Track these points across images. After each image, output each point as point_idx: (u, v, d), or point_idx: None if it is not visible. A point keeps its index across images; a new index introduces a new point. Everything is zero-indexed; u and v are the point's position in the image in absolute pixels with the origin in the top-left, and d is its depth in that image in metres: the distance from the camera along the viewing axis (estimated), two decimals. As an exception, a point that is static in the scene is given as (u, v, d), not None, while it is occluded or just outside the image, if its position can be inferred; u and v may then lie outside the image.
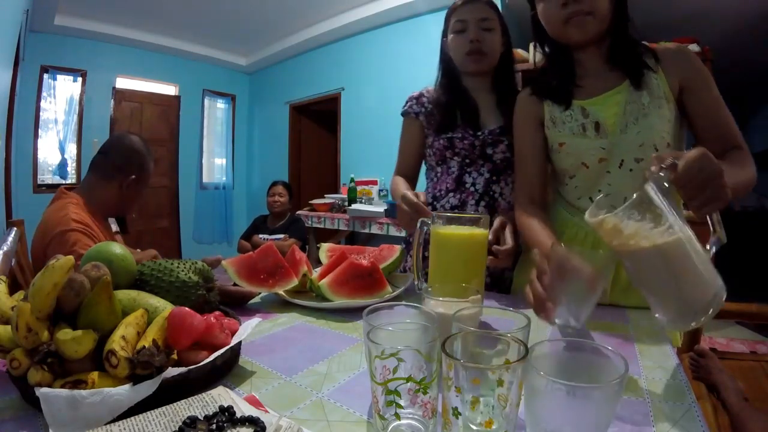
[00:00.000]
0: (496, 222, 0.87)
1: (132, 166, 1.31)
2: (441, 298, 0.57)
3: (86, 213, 1.22)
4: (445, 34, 1.10)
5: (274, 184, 3.06)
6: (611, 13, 0.77)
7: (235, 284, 0.84)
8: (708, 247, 0.51)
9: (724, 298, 0.48)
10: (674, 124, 0.80)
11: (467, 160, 1.06)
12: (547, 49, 0.88)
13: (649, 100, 0.78)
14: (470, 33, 1.02)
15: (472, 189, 1.05)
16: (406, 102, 1.16)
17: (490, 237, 0.87)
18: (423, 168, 1.20)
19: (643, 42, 0.82)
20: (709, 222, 0.52)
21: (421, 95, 1.15)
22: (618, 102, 0.80)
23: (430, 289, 0.58)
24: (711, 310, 0.48)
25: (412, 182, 1.13)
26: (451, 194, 1.07)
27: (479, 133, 1.03)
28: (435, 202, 1.10)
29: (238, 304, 0.82)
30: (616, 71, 0.81)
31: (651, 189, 0.49)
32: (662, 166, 0.50)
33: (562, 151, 0.85)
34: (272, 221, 3.02)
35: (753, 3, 2.93)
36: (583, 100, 0.83)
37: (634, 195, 0.49)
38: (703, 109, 0.78)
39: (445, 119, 1.07)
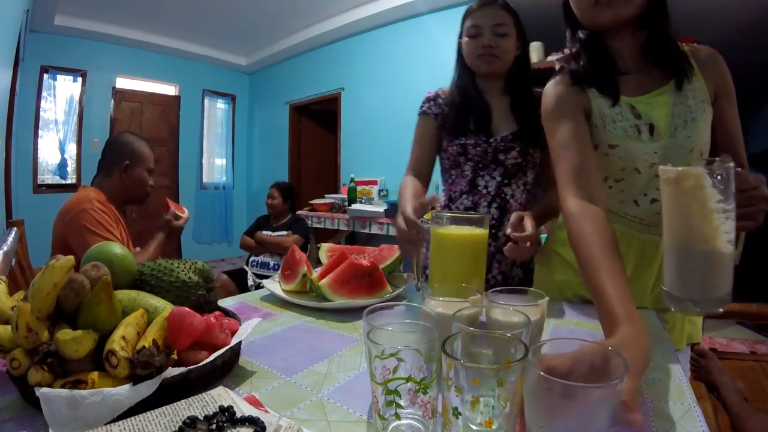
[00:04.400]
0: (513, 217, 0.87)
1: (123, 155, 1.47)
2: (441, 298, 0.57)
3: (104, 198, 1.42)
4: (461, 36, 1.11)
5: (270, 186, 3.06)
6: None
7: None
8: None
9: (729, 302, 0.50)
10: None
11: (480, 165, 1.10)
12: (581, 35, 0.80)
13: (694, 103, 0.74)
14: (484, 39, 1.03)
15: (484, 191, 1.09)
16: (424, 102, 1.17)
17: (509, 230, 0.85)
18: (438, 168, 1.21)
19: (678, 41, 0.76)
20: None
21: (437, 96, 1.16)
22: (666, 102, 0.74)
23: (430, 289, 0.59)
24: (720, 309, 0.50)
25: (425, 181, 1.13)
26: (464, 196, 1.12)
27: (492, 140, 1.06)
28: (450, 204, 1.15)
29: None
30: (658, 69, 0.75)
31: (732, 169, 0.49)
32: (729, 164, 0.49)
33: (612, 154, 0.76)
34: (274, 220, 3.03)
35: (753, 3, 2.93)
36: (630, 97, 0.76)
37: (723, 164, 0.49)
38: (725, 124, 0.77)
39: (458, 122, 1.09)
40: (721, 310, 0.50)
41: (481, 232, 0.72)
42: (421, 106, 1.17)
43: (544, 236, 1.17)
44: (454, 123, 1.10)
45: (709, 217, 0.50)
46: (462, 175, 1.12)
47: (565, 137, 0.74)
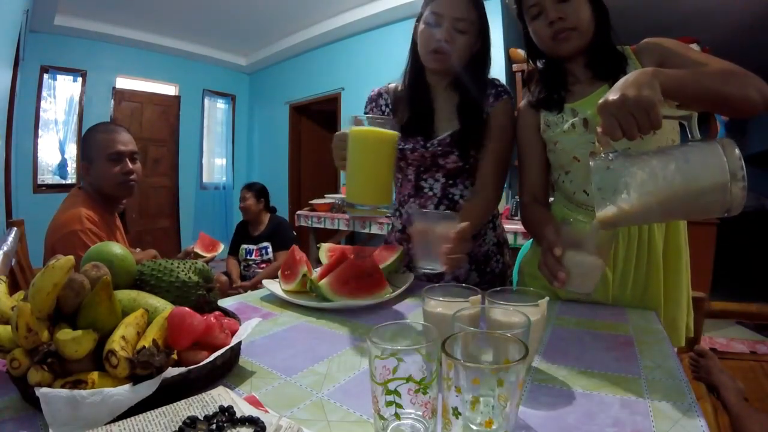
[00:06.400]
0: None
1: (82, 157, 1.41)
2: (441, 298, 0.57)
3: (94, 208, 1.32)
4: (419, 20, 1.01)
5: (241, 188, 2.91)
6: (593, 25, 0.84)
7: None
8: (693, 134, 0.57)
9: (735, 151, 0.52)
10: None
11: (422, 168, 1.06)
12: (539, 64, 0.95)
13: None
14: (442, 31, 0.94)
15: (430, 193, 1.06)
16: (366, 104, 1.16)
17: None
18: None
19: (624, 46, 0.88)
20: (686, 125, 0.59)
21: (379, 96, 1.13)
22: (601, 98, 0.83)
23: (429, 288, 0.59)
24: (739, 178, 0.52)
25: None
26: (412, 199, 1.09)
27: (429, 145, 1.01)
28: (401, 207, 1.12)
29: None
30: (599, 75, 0.87)
31: (599, 160, 0.60)
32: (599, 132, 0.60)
33: (556, 150, 0.91)
34: (253, 227, 2.87)
35: (753, 3, 2.93)
36: (573, 103, 0.89)
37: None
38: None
39: (403, 125, 1.04)
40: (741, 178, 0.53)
41: (391, 133, 0.77)
42: (365, 108, 1.15)
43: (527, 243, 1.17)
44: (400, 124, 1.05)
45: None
46: (407, 178, 1.09)
47: (524, 155, 0.98)
